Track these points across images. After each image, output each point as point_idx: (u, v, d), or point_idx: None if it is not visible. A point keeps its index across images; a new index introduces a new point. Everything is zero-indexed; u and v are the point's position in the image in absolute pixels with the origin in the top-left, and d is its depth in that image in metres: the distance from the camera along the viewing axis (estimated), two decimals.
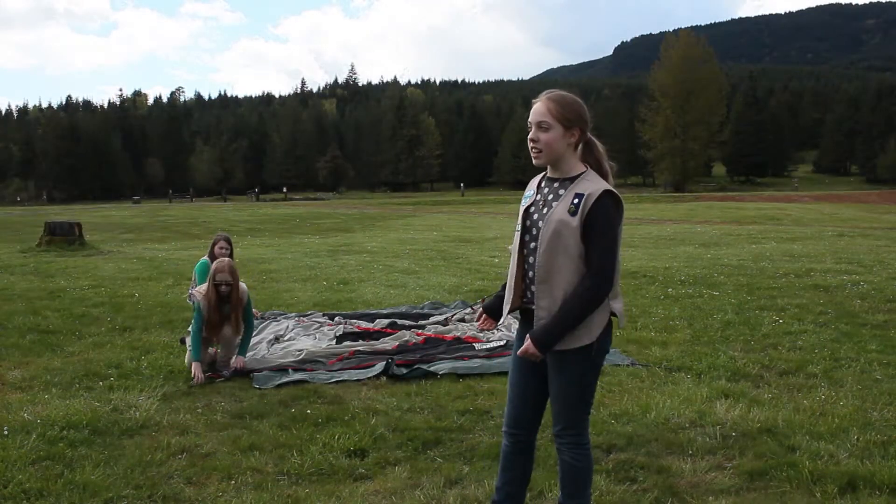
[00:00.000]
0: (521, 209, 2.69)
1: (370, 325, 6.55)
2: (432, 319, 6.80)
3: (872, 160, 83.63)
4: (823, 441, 3.62)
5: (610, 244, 2.47)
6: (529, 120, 2.58)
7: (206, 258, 6.85)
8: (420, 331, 6.27)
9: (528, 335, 2.55)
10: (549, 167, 2.65)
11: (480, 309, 2.91)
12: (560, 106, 2.53)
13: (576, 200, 2.49)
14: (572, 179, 2.57)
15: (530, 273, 2.60)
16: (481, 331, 6.20)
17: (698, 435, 3.76)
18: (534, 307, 2.59)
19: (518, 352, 2.59)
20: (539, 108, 2.55)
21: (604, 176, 2.59)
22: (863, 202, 41.38)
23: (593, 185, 2.51)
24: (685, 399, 4.31)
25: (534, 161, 2.60)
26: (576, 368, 2.58)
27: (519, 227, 2.65)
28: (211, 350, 5.28)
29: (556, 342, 2.50)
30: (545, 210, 2.57)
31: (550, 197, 2.58)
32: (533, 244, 2.59)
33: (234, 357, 5.16)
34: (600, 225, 2.46)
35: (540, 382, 2.72)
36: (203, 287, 5.27)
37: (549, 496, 3.10)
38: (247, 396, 4.55)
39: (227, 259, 5.41)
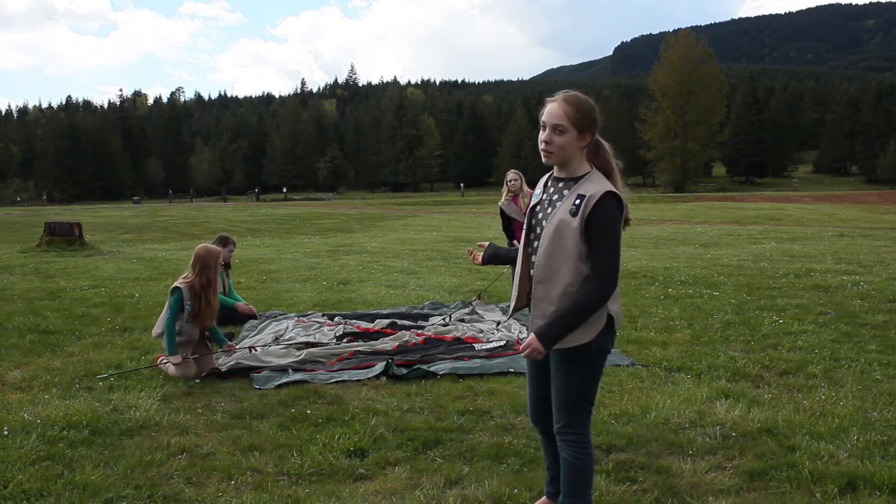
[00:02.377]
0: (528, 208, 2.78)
1: (370, 326, 6.56)
2: (432, 320, 6.81)
3: (872, 160, 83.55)
4: (823, 441, 3.62)
5: (613, 244, 2.48)
6: (543, 119, 2.57)
7: None
8: (420, 331, 6.28)
9: (531, 332, 2.56)
10: (556, 167, 2.67)
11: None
12: (577, 110, 2.53)
13: (577, 201, 2.51)
14: (576, 180, 2.59)
15: (532, 271, 2.64)
16: (480, 332, 6.25)
17: (698, 435, 3.76)
18: None
19: (521, 350, 2.58)
20: (556, 111, 2.54)
21: (610, 174, 2.61)
22: (863, 202, 41.41)
23: (595, 185, 2.52)
24: (685, 399, 4.31)
25: (543, 160, 2.62)
26: (575, 367, 2.61)
27: (525, 226, 2.73)
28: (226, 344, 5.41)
29: (560, 339, 2.51)
30: (549, 210, 2.60)
31: (555, 197, 2.61)
32: (536, 243, 2.62)
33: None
34: (603, 226, 2.47)
35: (549, 378, 2.75)
36: (187, 277, 5.20)
37: None
38: (247, 396, 4.55)
39: (210, 247, 5.38)
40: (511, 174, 7.88)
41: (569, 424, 2.65)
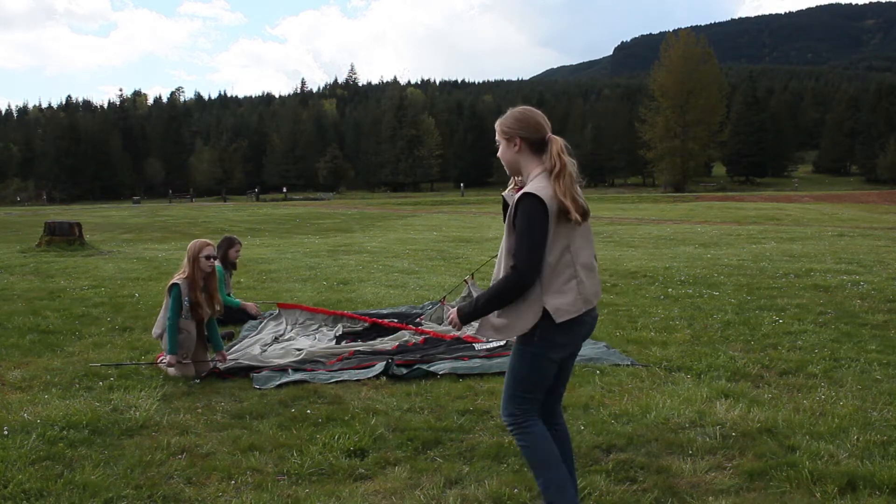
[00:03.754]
0: None
1: (370, 317, 6.62)
2: (428, 311, 6.93)
3: (872, 160, 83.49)
4: (823, 441, 3.62)
5: (525, 241, 2.62)
6: None
7: (218, 265, 6.83)
8: (421, 327, 6.33)
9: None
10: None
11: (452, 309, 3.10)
12: (500, 123, 2.84)
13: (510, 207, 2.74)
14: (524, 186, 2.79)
15: None
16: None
17: (698, 435, 3.76)
18: None
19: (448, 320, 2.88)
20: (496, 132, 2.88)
21: (554, 171, 2.69)
22: (863, 202, 41.40)
23: (524, 189, 2.70)
24: (685, 399, 4.31)
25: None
26: (513, 357, 2.80)
27: None
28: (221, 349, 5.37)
29: (475, 318, 2.74)
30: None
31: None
32: None
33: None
34: (519, 224, 2.64)
35: None
36: (183, 272, 5.17)
37: None
38: (247, 396, 4.55)
39: (201, 241, 5.36)
40: None
41: (507, 413, 2.80)
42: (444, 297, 7.11)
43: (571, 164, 2.72)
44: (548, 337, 2.68)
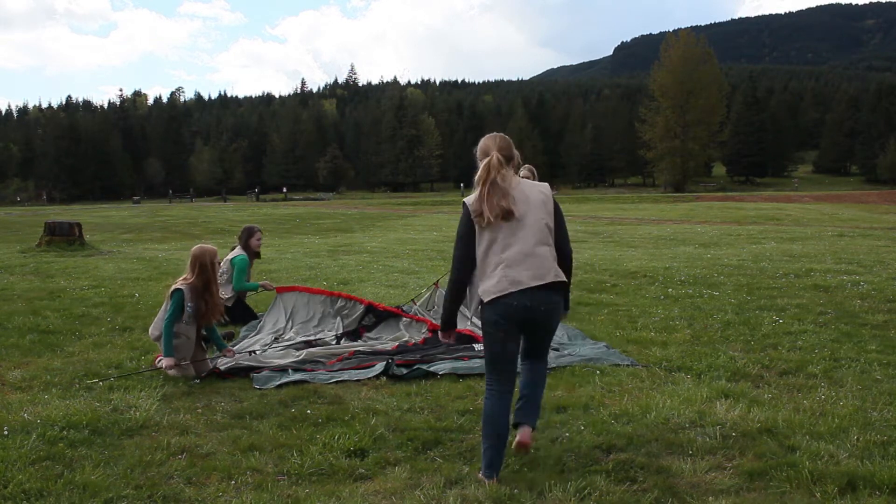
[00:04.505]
0: None
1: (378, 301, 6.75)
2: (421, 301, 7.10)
3: (872, 160, 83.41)
4: (823, 441, 3.62)
5: (456, 242, 3.33)
6: None
7: (243, 254, 6.88)
8: (416, 314, 6.49)
9: None
10: None
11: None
12: None
13: None
14: None
15: None
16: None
17: (698, 435, 3.76)
18: None
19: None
20: None
21: (479, 181, 3.33)
22: (863, 202, 41.40)
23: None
24: (685, 399, 4.31)
25: None
26: None
27: None
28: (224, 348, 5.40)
29: (444, 319, 3.45)
30: None
31: None
32: None
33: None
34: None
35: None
36: (186, 278, 5.16)
37: (548, 496, 3.10)
38: (247, 396, 4.55)
39: (205, 247, 5.36)
40: (523, 171, 8.07)
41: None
42: (438, 281, 7.22)
43: (506, 175, 3.28)
44: (486, 315, 3.24)
